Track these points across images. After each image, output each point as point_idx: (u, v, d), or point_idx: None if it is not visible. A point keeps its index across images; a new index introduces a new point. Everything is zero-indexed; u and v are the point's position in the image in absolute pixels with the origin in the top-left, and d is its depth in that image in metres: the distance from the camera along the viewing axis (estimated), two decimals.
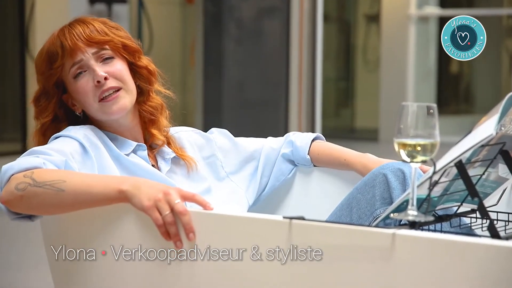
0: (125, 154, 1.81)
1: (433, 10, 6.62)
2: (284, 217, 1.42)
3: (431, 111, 1.45)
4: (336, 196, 1.99)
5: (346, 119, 7.50)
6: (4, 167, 1.61)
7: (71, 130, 1.77)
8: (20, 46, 4.28)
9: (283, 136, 2.09)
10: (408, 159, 1.42)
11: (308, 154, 2.03)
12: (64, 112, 1.84)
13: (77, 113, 1.83)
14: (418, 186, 1.45)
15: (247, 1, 5.27)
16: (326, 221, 1.40)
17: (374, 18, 7.02)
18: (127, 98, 1.81)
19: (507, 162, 1.63)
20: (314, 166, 2.06)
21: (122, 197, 1.50)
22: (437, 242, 1.31)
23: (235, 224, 1.47)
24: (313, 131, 5.12)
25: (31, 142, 1.85)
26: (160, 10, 5.32)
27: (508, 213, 1.68)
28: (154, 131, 1.88)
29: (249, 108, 5.34)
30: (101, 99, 1.79)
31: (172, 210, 1.47)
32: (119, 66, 1.82)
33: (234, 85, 5.32)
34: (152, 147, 1.89)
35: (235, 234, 1.47)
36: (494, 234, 1.46)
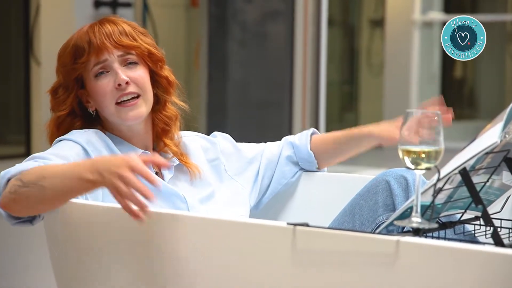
0: None
1: (437, 15, 6.62)
2: (288, 223, 1.42)
3: (436, 118, 1.46)
4: (339, 202, 2.00)
5: (350, 123, 7.49)
6: (2, 172, 1.63)
7: (75, 134, 1.77)
8: (25, 49, 4.28)
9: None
10: (412, 166, 1.42)
11: (310, 149, 2.03)
12: (79, 108, 1.84)
13: (90, 111, 1.84)
14: (422, 193, 1.46)
15: (252, 4, 5.28)
16: (330, 228, 1.40)
17: (378, 23, 7.02)
18: (144, 107, 1.82)
19: (511, 170, 1.63)
20: (317, 167, 2.05)
21: (91, 185, 1.52)
22: (441, 249, 1.31)
23: (239, 230, 1.48)
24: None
25: (43, 132, 1.87)
26: (165, 13, 5.33)
27: None
28: (167, 141, 1.88)
29: (253, 110, 5.34)
30: (118, 103, 1.79)
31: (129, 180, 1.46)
32: (142, 73, 1.82)
33: (239, 87, 5.32)
34: (161, 155, 1.89)
35: (239, 240, 1.47)
36: (498, 241, 1.46)
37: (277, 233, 1.43)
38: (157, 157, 1.53)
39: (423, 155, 1.41)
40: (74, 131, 1.80)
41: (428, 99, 1.86)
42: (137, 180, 1.45)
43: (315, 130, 2.07)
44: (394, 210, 1.73)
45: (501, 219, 1.66)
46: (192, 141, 1.98)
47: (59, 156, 1.69)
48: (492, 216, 1.52)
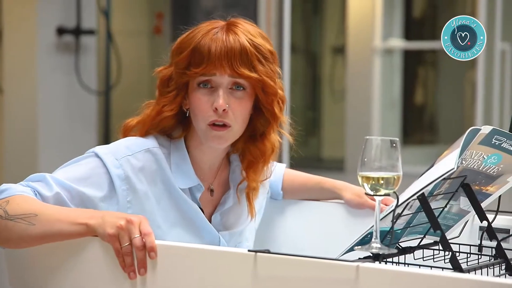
0: (180, 188, 1.73)
1: (398, 43, 6.71)
2: (249, 250, 1.43)
3: (394, 144, 1.48)
4: (303, 228, 2.01)
5: (313, 148, 7.53)
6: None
7: (119, 162, 1.66)
8: None
9: None
10: (371, 192, 1.44)
11: (281, 189, 2.03)
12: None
13: (185, 109, 1.73)
14: (381, 219, 1.48)
15: None
16: (291, 254, 1.42)
17: (340, 50, 7.10)
18: (230, 140, 1.72)
19: (468, 195, 1.66)
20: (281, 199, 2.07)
21: (89, 231, 1.51)
22: (400, 275, 1.33)
23: (201, 257, 1.48)
24: (280, 159, 5.13)
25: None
26: (128, 41, 5.33)
27: (470, 245, 1.71)
28: (250, 174, 1.78)
29: None
30: (211, 124, 1.69)
31: (131, 242, 1.48)
32: (245, 105, 1.70)
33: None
34: (229, 166, 1.82)
35: (201, 267, 1.48)
36: (456, 266, 1.49)
37: (239, 260, 1.44)
38: (150, 240, 1.47)
39: (381, 181, 1.43)
40: (122, 149, 1.68)
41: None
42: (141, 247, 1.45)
43: (285, 166, 2.04)
44: None
45: (459, 244, 1.69)
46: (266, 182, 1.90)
47: (71, 190, 1.60)
48: (450, 241, 1.55)
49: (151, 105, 1.77)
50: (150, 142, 1.72)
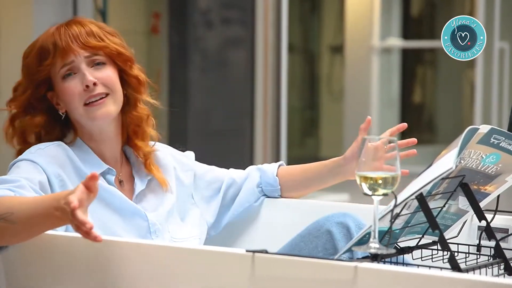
0: None
1: (396, 42, 6.71)
2: (247, 250, 1.42)
3: (392, 144, 1.48)
4: (300, 228, 2.01)
5: (311, 148, 7.53)
6: None
7: (35, 154, 1.74)
8: None
9: (246, 165, 2.10)
10: (370, 192, 1.43)
11: (276, 175, 2.03)
12: (51, 111, 1.82)
13: (61, 113, 1.82)
14: (380, 219, 1.47)
15: (212, 31, 5.30)
16: (289, 254, 1.41)
17: (338, 49, 7.10)
18: (113, 106, 1.80)
19: (467, 195, 1.65)
20: (279, 195, 2.05)
21: (59, 221, 1.51)
22: (399, 275, 1.33)
23: (198, 257, 1.48)
24: (278, 160, 5.13)
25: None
26: (125, 41, 5.31)
27: (469, 245, 1.70)
28: (139, 143, 1.87)
29: (215, 138, 5.34)
30: (86, 104, 1.78)
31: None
32: (110, 73, 1.80)
33: (200, 114, 5.32)
34: (129, 162, 1.88)
35: (198, 267, 1.47)
36: (455, 266, 1.48)
37: (236, 260, 1.43)
38: (92, 185, 1.48)
39: (380, 181, 1.42)
40: (34, 148, 1.77)
41: (388, 124, 1.88)
42: (81, 224, 1.44)
43: (283, 163, 2.07)
44: (334, 254, 1.73)
45: (458, 244, 1.68)
46: (167, 152, 1.96)
47: (29, 179, 1.67)
48: (449, 241, 1.54)
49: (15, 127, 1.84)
50: (57, 141, 1.81)
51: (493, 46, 5.77)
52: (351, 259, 1.61)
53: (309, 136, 7.72)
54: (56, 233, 1.62)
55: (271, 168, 2.04)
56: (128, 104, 1.85)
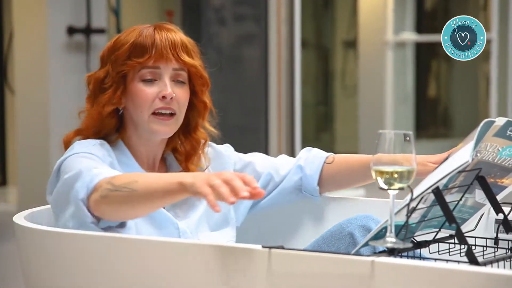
0: None
1: (410, 36, 6.68)
2: (263, 246, 1.42)
3: (408, 138, 1.47)
4: (327, 224, 2.00)
5: (326, 144, 7.52)
6: (87, 177, 1.61)
7: (89, 147, 1.72)
8: None
9: None
10: (385, 187, 1.43)
11: (317, 184, 1.97)
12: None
13: (119, 108, 1.79)
14: (396, 213, 1.47)
15: (226, 28, 5.30)
16: (305, 250, 1.41)
17: (352, 44, 7.08)
18: (174, 127, 1.80)
19: (483, 188, 1.65)
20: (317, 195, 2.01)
21: (182, 189, 1.50)
22: (416, 269, 1.32)
23: (216, 253, 1.48)
24: (293, 156, 5.13)
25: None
26: None
27: (486, 238, 1.69)
28: (191, 167, 1.86)
29: (229, 134, 5.35)
30: (154, 113, 1.77)
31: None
32: (187, 95, 1.80)
33: (215, 111, 5.33)
34: (165, 165, 1.87)
35: (215, 263, 1.47)
36: (472, 259, 1.47)
37: (253, 256, 1.43)
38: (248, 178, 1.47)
39: (395, 175, 1.42)
40: (85, 143, 1.74)
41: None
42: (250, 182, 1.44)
43: (331, 155, 2.01)
44: None
45: (475, 237, 1.68)
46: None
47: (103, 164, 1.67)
48: (466, 235, 1.53)
49: (87, 111, 1.82)
50: (99, 140, 1.79)
51: (508, 39, 5.74)
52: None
53: (324, 132, 7.70)
54: (70, 232, 1.62)
55: (313, 173, 1.97)
56: (188, 126, 1.85)
